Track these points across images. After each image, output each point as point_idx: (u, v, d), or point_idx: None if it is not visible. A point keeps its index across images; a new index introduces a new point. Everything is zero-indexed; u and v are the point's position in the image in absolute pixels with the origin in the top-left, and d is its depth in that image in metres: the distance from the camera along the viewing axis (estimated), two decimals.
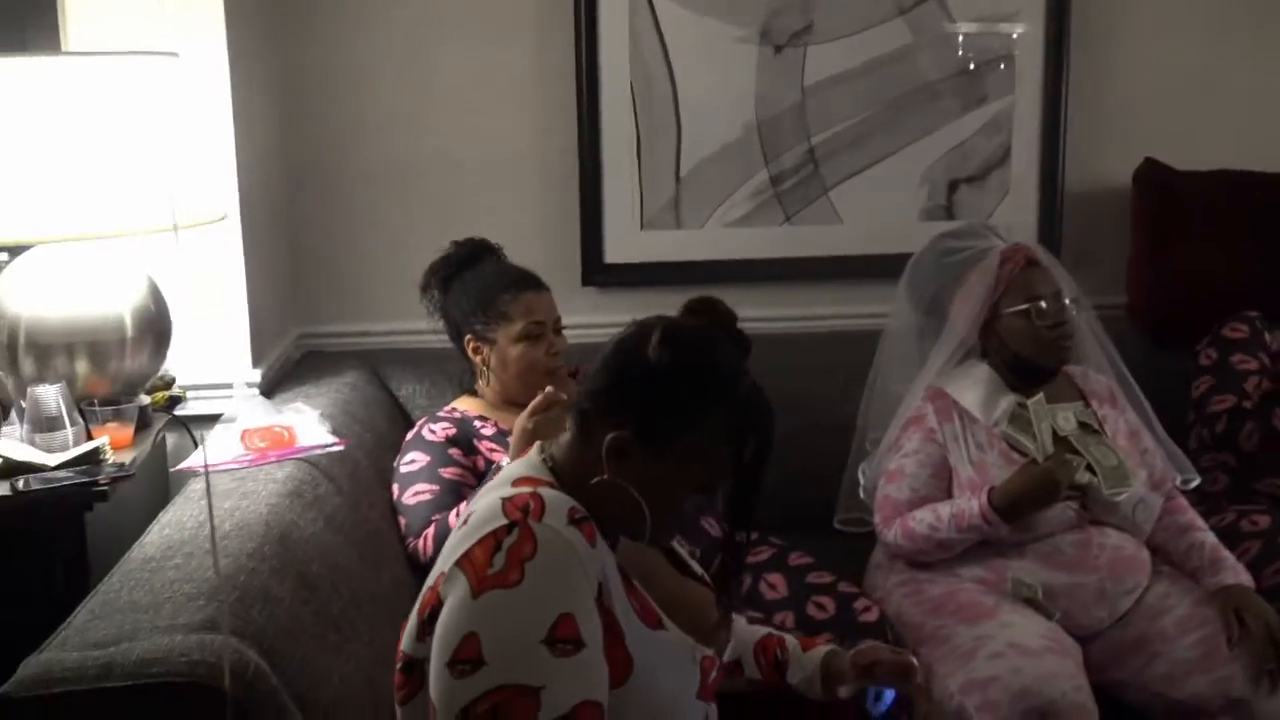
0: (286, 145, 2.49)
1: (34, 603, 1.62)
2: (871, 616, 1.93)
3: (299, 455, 1.81)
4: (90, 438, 1.76)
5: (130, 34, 2.02)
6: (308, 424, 1.91)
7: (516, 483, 1.25)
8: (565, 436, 1.29)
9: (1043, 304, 2.00)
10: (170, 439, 2.10)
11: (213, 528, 1.21)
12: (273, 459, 1.78)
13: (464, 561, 1.17)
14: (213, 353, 2.16)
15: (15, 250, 1.92)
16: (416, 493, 1.92)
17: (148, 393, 1.99)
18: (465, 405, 2.08)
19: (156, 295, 1.93)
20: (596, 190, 2.58)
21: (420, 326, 2.18)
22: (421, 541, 1.87)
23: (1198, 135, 2.70)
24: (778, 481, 2.36)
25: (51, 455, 1.68)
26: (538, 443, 1.33)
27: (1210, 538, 2.00)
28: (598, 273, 2.61)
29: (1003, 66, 2.65)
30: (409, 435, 2.03)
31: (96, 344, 1.82)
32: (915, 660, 1.41)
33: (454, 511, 1.83)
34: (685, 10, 2.54)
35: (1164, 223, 2.60)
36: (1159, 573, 1.99)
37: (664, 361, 1.21)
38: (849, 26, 2.60)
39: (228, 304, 2.17)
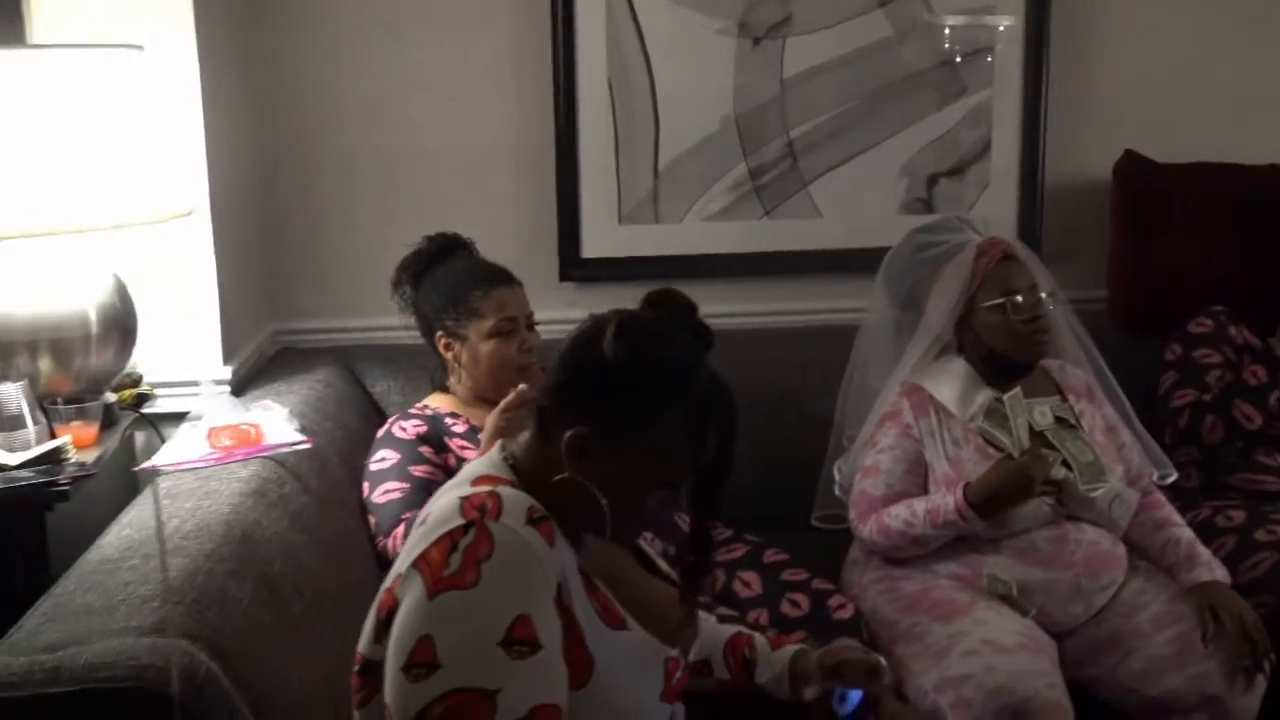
0: (259, 138, 2.47)
1: None
2: (846, 614, 1.91)
3: (265, 454, 1.79)
4: (53, 436, 1.74)
5: (97, 26, 1.99)
6: (276, 422, 1.89)
7: (476, 481, 1.24)
8: (525, 434, 1.27)
9: (1018, 298, 1.98)
10: (140, 437, 2.07)
11: (160, 528, 1.19)
12: (238, 458, 1.76)
13: (420, 562, 1.15)
14: (183, 350, 2.13)
15: None
16: (386, 491, 1.89)
17: (115, 390, 1.96)
18: (437, 402, 2.06)
19: (122, 292, 1.91)
20: (574, 184, 2.56)
21: (395, 322, 2.16)
22: (391, 540, 1.85)
23: (1178, 128, 2.68)
24: (755, 477, 2.38)
25: (12, 454, 1.65)
26: (499, 441, 1.31)
27: (1186, 533, 1.99)
28: (575, 267, 2.59)
29: (983, 59, 2.63)
30: (379, 433, 2.01)
31: (60, 341, 1.80)
32: (883, 661, 1.40)
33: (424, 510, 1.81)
34: (663, 0, 2.52)
35: (1144, 216, 2.59)
36: (1135, 569, 1.98)
37: (619, 356, 1.19)
38: (828, 18, 2.58)
39: (198, 300, 2.14)
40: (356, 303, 2.51)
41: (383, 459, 1.94)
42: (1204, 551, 1.95)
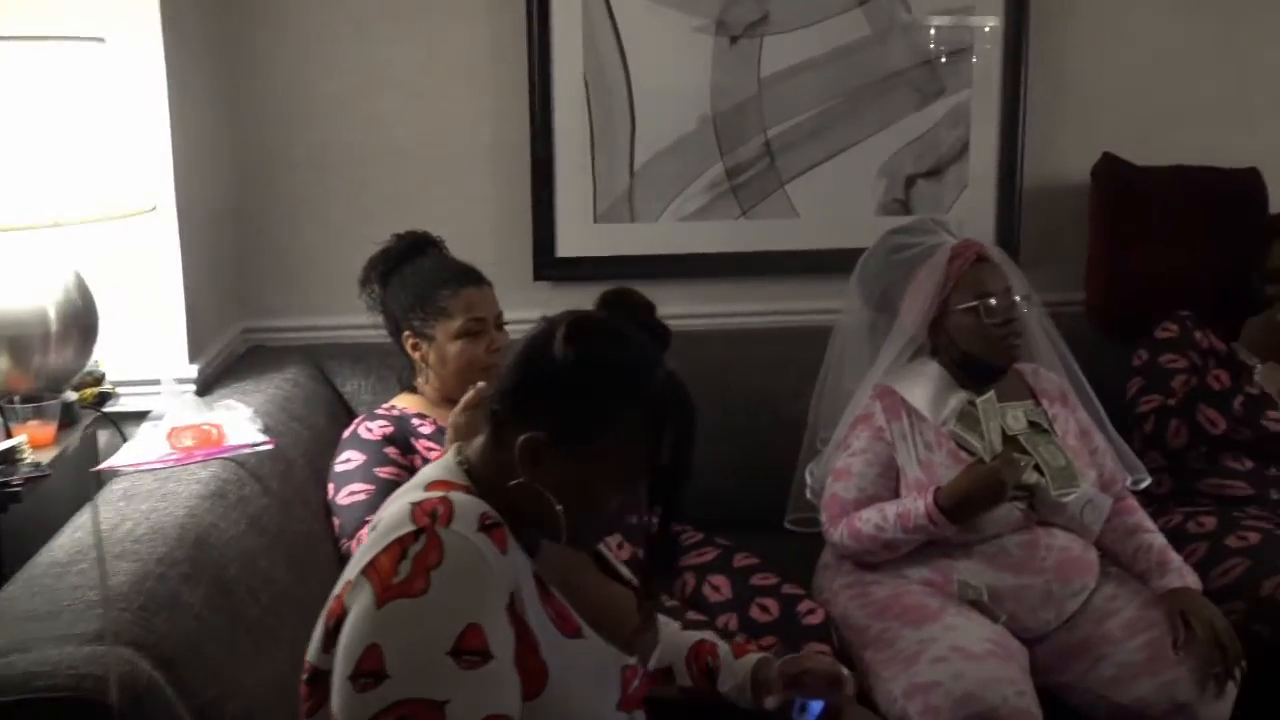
0: (229, 134, 2.43)
1: None
2: (816, 619, 1.89)
3: (227, 455, 1.76)
4: (9, 436, 1.71)
5: (58, 18, 1.95)
6: (238, 422, 1.86)
7: (430, 486, 1.21)
8: (480, 438, 1.24)
9: (992, 301, 1.97)
10: (103, 436, 2.04)
11: (98, 533, 1.16)
12: (198, 459, 1.73)
13: (369, 570, 1.13)
14: (148, 347, 2.10)
15: None
16: (351, 493, 1.87)
17: (76, 389, 1.94)
18: (404, 403, 2.03)
19: (83, 289, 1.88)
20: (549, 182, 2.54)
21: (366, 321, 2.12)
22: (355, 543, 1.82)
23: (1156, 131, 2.67)
24: (730, 479, 2.41)
25: None
26: (455, 444, 1.28)
27: (1159, 539, 1.97)
28: (549, 267, 2.56)
29: (961, 60, 2.62)
30: (345, 433, 1.98)
31: (18, 339, 1.77)
32: (845, 671, 1.38)
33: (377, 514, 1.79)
34: None
35: (1122, 219, 2.57)
36: (1107, 574, 1.97)
37: (569, 358, 1.17)
38: (806, 17, 2.56)
39: (163, 298, 2.11)
40: (327, 301, 2.48)
41: (348, 460, 1.91)
42: (1175, 558, 1.94)
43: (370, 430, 1.94)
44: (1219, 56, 2.70)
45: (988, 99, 2.63)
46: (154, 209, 1.93)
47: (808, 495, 2.13)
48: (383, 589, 1.10)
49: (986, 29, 2.61)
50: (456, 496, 1.17)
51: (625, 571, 1.41)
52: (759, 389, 2.46)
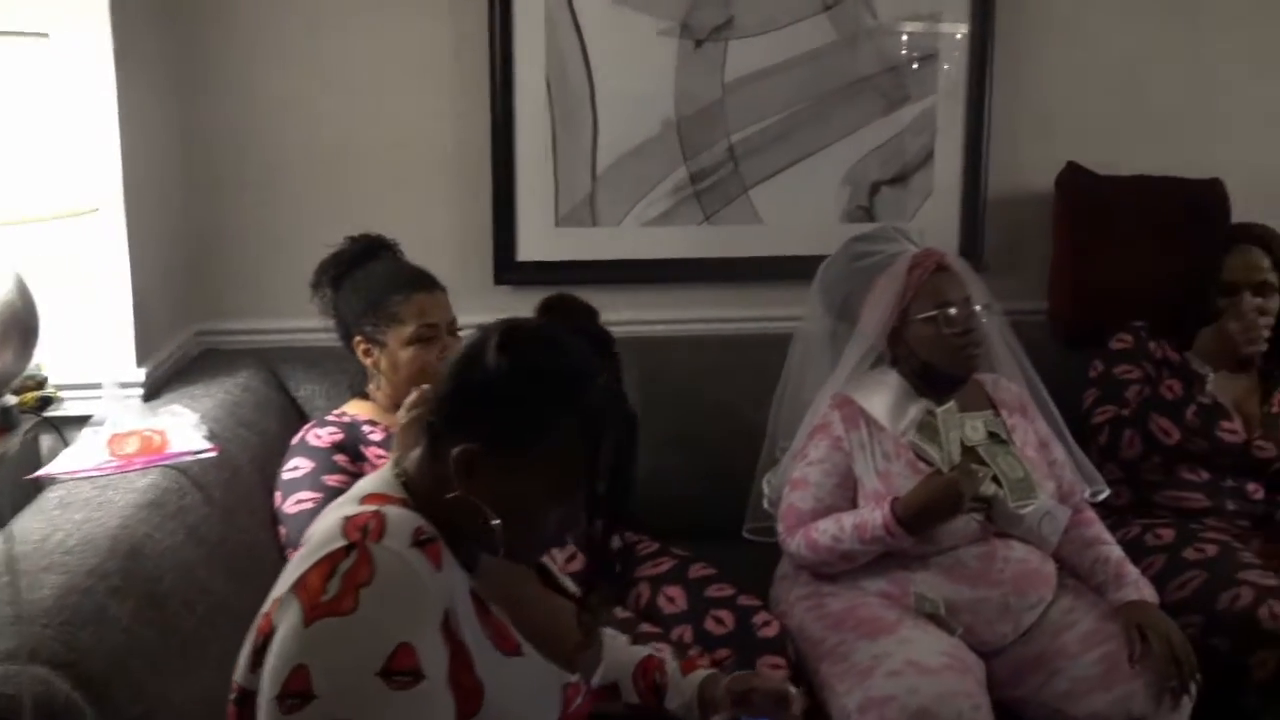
0: (181, 133, 2.38)
1: None
2: (771, 631, 1.87)
3: (168, 462, 1.72)
4: None
5: (1, 13, 1.90)
6: (183, 428, 1.82)
7: (364, 500, 1.18)
8: (418, 450, 1.21)
9: (951, 310, 1.95)
10: (45, 442, 1.99)
11: (11, 548, 1.12)
12: (138, 466, 1.69)
13: (298, 587, 1.09)
14: (93, 351, 2.05)
15: None
16: (298, 501, 1.83)
17: (16, 393, 1.88)
18: (355, 409, 1.99)
19: (22, 290, 1.82)
20: (509, 185, 2.50)
21: (322, 324, 2.09)
22: None
23: (1120, 141, 2.67)
24: (691, 488, 2.38)
25: None
26: (394, 456, 1.25)
27: (1116, 552, 1.96)
28: (510, 271, 2.53)
29: (927, 67, 2.61)
30: (294, 440, 1.94)
31: None
32: (792, 689, 1.36)
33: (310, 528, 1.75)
34: (603, 0, 2.46)
35: (1085, 228, 2.57)
36: (1064, 586, 1.95)
37: (503, 367, 1.14)
38: (771, 21, 2.54)
39: (110, 300, 2.06)
40: (283, 304, 2.43)
41: (295, 467, 1.87)
42: (1132, 570, 1.92)
43: (319, 437, 1.91)
44: (1183, 68, 2.70)
45: (953, 107, 2.62)
46: (96, 210, 1.88)
47: (765, 505, 2.10)
48: (311, 607, 1.07)
49: (952, 36, 2.60)
50: (390, 511, 1.14)
51: (570, 585, 1.38)
52: (721, 396, 2.44)
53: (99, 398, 1.98)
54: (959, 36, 2.60)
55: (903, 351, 2.02)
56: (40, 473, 1.74)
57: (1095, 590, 1.94)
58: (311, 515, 1.80)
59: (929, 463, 1.94)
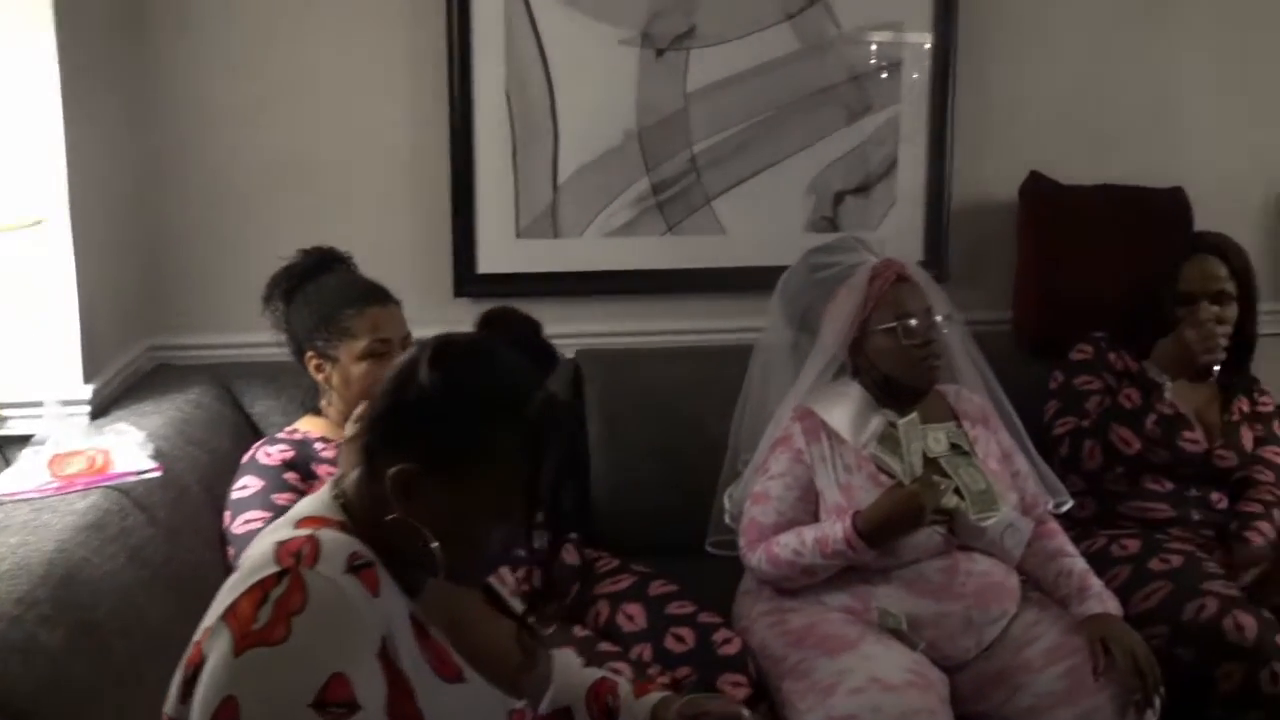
0: (134, 143, 2.33)
1: None
2: (732, 649, 1.84)
3: (111, 483, 1.67)
4: None
5: None
6: (127, 447, 1.77)
7: (300, 523, 1.14)
8: (356, 471, 1.17)
9: (911, 322, 1.93)
10: None
11: None
12: (79, 487, 1.64)
13: (228, 615, 1.05)
14: (38, 368, 2.00)
15: None
16: (247, 521, 1.78)
17: None
18: (307, 426, 1.95)
19: None
20: (469, 196, 2.47)
21: (278, 339, 2.04)
22: None
23: (1083, 150, 2.68)
24: (655, 503, 2.35)
25: None
26: (332, 477, 1.21)
27: (1079, 564, 1.94)
28: (470, 283, 2.49)
29: (889, 76, 2.59)
30: (244, 458, 1.90)
31: None
32: (745, 712, 1.33)
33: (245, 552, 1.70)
34: (563, 7, 2.44)
35: (1049, 237, 2.57)
36: (1028, 600, 1.93)
37: (435, 384, 1.10)
38: (733, 31, 2.52)
39: (55, 314, 2.01)
40: (238, 318, 2.36)
41: (245, 486, 1.83)
42: (1096, 583, 1.91)
43: (269, 455, 1.86)
44: (1145, 78, 2.70)
45: (916, 116, 2.61)
46: (40, 222, 1.84)
47: (726, 520, 2.07)
48: (241, 636, 1.03)
49: (916, 46, 2.59)
50: (325, 534, 1.10)
51: (517, 606, 1.34)
52: (685, 409, 2.41)
53: (42, 416, 1.94)
54: (922, 46, 2.59)
55: (864, 363, 2.00)
56: None
57: (1059, 603, 1.92)
58: None
59: (890, 475, 1.92)
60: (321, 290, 1.91)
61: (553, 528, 1.18)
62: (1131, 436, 2.15)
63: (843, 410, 1.97)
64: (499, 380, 1.12)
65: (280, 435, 1.93)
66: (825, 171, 2.60)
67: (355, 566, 1.08)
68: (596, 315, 2.57)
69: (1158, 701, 1.79)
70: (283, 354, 2.08)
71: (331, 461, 1.87)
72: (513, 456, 1.10)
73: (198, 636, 1.09)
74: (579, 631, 1.90)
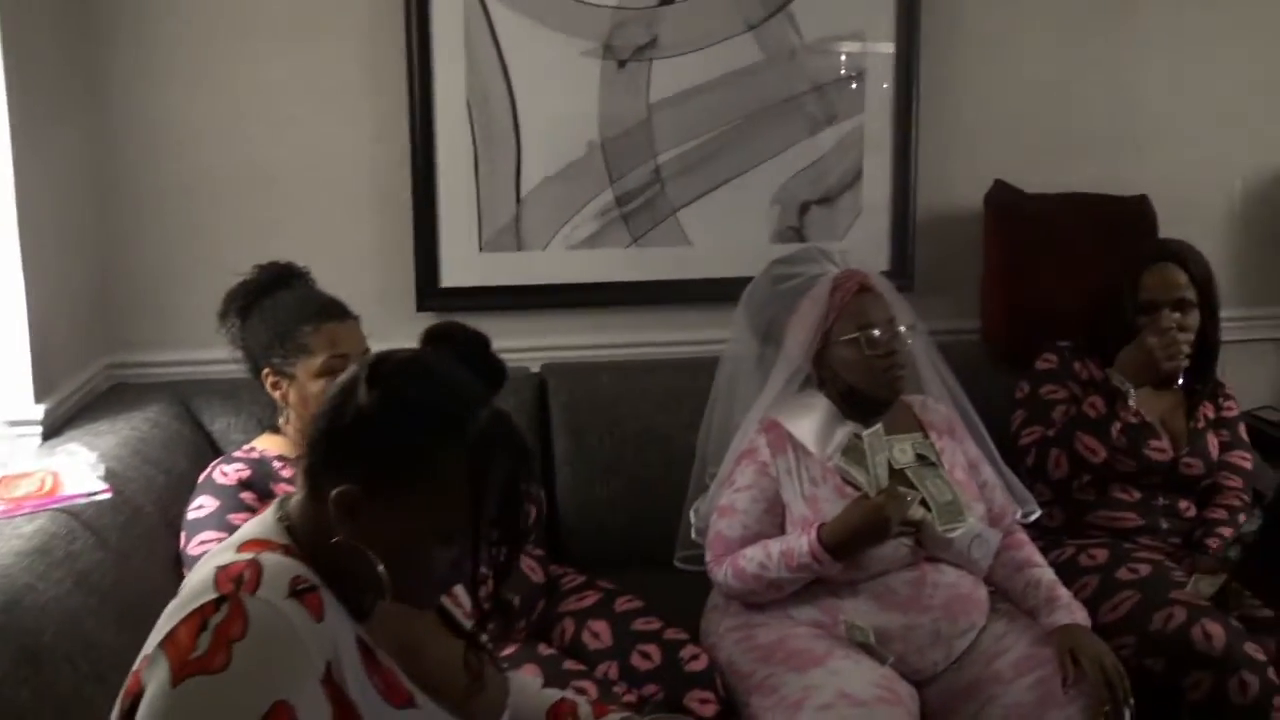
0: (89, 158, 2.30)
1: None
2: (699, 666, 1.82)
3: (59, 505, 1.63)
4: None
5: None
6: (78, 468, 1.73)
7: (242, 547, 1.11)
8: (301, 493, 1.14)
9: (875, 332, 1.92)
10: None
11: None
12: (27, 510, 1.60)
13: (166, 643, 1.02)
14: None
15: None
16: (202, 542, 1.75)
17: None
18: (265, 444, 1.92)
19: None
20: (431, 210, 2.44)
21: (237, 356, 2.01)
22: None
23: (1047, 158, 2.68)
24: (622, 517, 2.33)
25: None
26: (277, 499, 1.18)
27: (1047, 574, 1.93)
28: (433, 297, 2.47)
29: (853, 85, 2.59)
30: (200, 477, 1.86)
31: None
32: None
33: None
34: (524, 19, 2.42)
35: (1015, 245, 2.57)
36: (997, 611, 1.92)
37: (373, 402, 1.08)
38: (695, 41, 2.51)
39: (4, 333, 1.97)
40: (197, 334, 2.30)
41: (200, 506, 1.79)
42: (1064, 593, 1.89)
43: (225, 474, 1.83)
44: (1108, 85, 2.71)
45: (880, 125, 2.61)
46: None
47: (693, 535, 2.05)
48: (180, 665, 1.00)
49: (879, 55, 2.59)
50: (268, 558, 1.07)
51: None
52: (651, 422, 2.40)
53: None
54: (885, 55, 2.58)
55: (828, 374, 1.99)
56: None
57: (1028, 614, 1.91)
58: None
59: (856, 487, 1.90)
60: (278, 306, 1.88)
61: (503, 546, 1.15)
62: (1097, 445, 2.14)
63: (808, 422, 1.96)
64: (439, 397, 1.10)
65: (237, 454, 1.89)
66: (790, 182, 2.59)
67: (298, 591, 1.05)
68: (561, 328, 2.55)
69: (1127, 713, 1.78)
70: (242, 371, 2.05)
71: (290, 481, 1.83)
72: (456, 475, 1.08)
73: (136, 665, 1.06)
74: (544, 650, 1.87)
